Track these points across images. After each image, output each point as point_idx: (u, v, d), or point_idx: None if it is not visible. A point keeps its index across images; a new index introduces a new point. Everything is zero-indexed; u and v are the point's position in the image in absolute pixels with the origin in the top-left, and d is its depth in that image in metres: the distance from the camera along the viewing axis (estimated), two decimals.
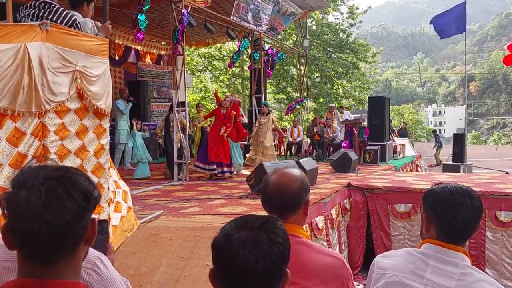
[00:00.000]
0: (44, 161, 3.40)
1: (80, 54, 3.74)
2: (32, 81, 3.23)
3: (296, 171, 1.75)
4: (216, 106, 9.76)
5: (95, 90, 3.94)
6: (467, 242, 5.59)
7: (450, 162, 14.90)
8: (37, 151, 3.38)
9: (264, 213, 1.58)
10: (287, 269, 1.14)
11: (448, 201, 1.59)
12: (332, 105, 17.19)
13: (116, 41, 12.83)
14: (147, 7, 8.15)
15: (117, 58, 13.05)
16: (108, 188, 4.19)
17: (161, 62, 15.06)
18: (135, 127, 9.73)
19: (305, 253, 1.61)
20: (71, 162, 3.72)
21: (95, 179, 4.01)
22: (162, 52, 14.78)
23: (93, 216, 1.10)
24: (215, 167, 8.92)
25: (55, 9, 3.62)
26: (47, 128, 3.45)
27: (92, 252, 1.49)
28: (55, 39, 3.46)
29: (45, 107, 3.40)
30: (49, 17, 3.57)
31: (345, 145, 12.13)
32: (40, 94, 3.32)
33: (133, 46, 13.41)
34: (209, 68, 25.81)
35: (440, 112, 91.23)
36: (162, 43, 14.39)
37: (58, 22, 3.62)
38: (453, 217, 1.57)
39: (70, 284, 1.04)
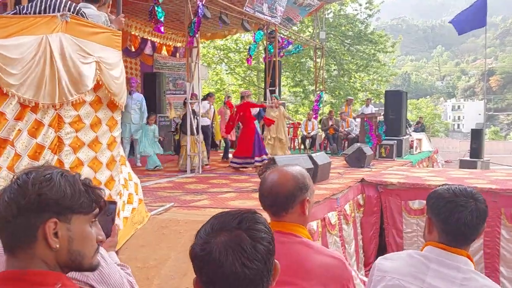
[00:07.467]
0: (58, 153, 3.45)
1: (96, 45, 3.74)
2: (55, 73, 3.23)
3: (294, 170, 1.69)
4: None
5: (110, 82, 3.95)
6: (482, 240, 5.44)
7: (467, 158, 14.68)
8: (53, 142, 3.41)
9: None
10: (275, 261, 1.07)
11: (452, 203, 1.54)
12: (350, 97, 17.00)
13: (133, 33, 12.88)
14: None
15: (133, 49, 13.11)
16: (119, 181, 4.21)
17: (177, 54, 15.08)
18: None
19: (304, 253, 1.58)
20: (85, 154, 3.74)
21: (107, 172, 4.04)
22: (178, 44, 14.80)
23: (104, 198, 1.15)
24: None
25: (59, 0, 3.63)
26: (62, 120, 3.47)
27: None
28: (73, 30, 3.47)
29: (67, 98, 3.41)
30: (55, 8, 3.57)
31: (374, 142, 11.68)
32: (64, 85, 3.33)
33: (149, 38, 13.46)
34: (225, 60, 25.77)
35: (459, 107, 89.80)
36: (179, 35, 14.40)
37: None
38: (456, 220, 1.52)
39: (51, 275, 1.06)
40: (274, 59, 12.19)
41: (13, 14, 3.57)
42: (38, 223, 1.05)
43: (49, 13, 3.48)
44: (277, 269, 1.08)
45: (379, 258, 1.72)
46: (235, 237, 1.00)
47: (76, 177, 1.12)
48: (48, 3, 3.57)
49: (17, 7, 3.69)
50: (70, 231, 1.08)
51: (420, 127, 18.83)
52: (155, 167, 8.99)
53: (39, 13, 3.51)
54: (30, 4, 3.60)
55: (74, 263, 1.10)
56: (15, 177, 1.09)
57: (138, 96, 9.51)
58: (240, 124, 9.50)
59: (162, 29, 8.26)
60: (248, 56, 12.21)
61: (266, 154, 9.05)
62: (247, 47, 13.09)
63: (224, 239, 1.00)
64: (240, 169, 9.02)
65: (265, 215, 1.37)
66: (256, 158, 8.83)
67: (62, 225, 1.07)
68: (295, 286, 1.50)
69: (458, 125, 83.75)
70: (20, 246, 1.06)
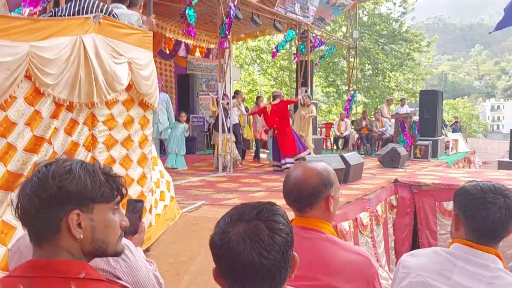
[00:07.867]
0: (92, 150, 3.54)
1: (127, 45, 3.81)
2: (91, 72, 3.30)
3: (319, 165, 1.67)
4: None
5: (141, 82, 4.03)
6: None
7: (506, 159, 14.20)
8: (87, 140, 3.50)
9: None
10: (294, 253, 1.07)
11: (479, 199, 1.50)
12: (390, 97, 16.79)
13: (167, 35, 13.08)
14: (195, 1, 8.24)
15: (168, 52, 13.32)
16: (151, 178, 4.29)
17: (210, 55, 15.23)
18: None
19: (329, 249, 1.56)
20: (118, 151, 3.82)
21: (139, 169, 4.12)
22: (212, 46, 14.94)
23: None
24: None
25: (92, 1, 3.71)
26: (96, 118, 3.54)
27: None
28: (105, 31, 3.54)
29: (105, 97, 3.49)
30: (88, 10, 3.66)
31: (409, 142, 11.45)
32: (101, 84, 3.40)
33: (183, 40, 13.64)
34: (257, 61, 25.86)
35: (498, 107, 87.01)
36: (212, 37, 14.54)
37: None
38: (483, 217, 1.48)
39: (76, 264, 1.09)
40: (306, 58, 12.14)
41: (49, 17, 3.68)
42: (61, 215, 1.07)
43: (82, 14, 3.57)
44: (296, 262, 1.08)
45: (404, 255, 1.69)
46: (253, 227, 1.02)
47: (96, 167, 1.14)
48: (82, 5, 3.66)
49: (52, 10, 3.81)
50: (93, 221, 1.10)
51: (458, 127, 18.39)
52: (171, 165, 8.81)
53: (73, 15, 3.61)
54: (65, 7, 3.71)
55: (98, 251, 1.13)
56: (35, 170, 1.11)
57: (164, 96, 9.60)
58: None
59: (193, 32, 8.32)
60: (275, 50, 12.20)
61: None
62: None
63: (242, 229, 1.01)
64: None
65: (291, 214, 1.37)
66: (304, 153, 8.77)
67: (85, 216, 1.09)
68: (318, 281, 1.49)
69: (498, 125, 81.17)
70: (45, 238, 1.08)
